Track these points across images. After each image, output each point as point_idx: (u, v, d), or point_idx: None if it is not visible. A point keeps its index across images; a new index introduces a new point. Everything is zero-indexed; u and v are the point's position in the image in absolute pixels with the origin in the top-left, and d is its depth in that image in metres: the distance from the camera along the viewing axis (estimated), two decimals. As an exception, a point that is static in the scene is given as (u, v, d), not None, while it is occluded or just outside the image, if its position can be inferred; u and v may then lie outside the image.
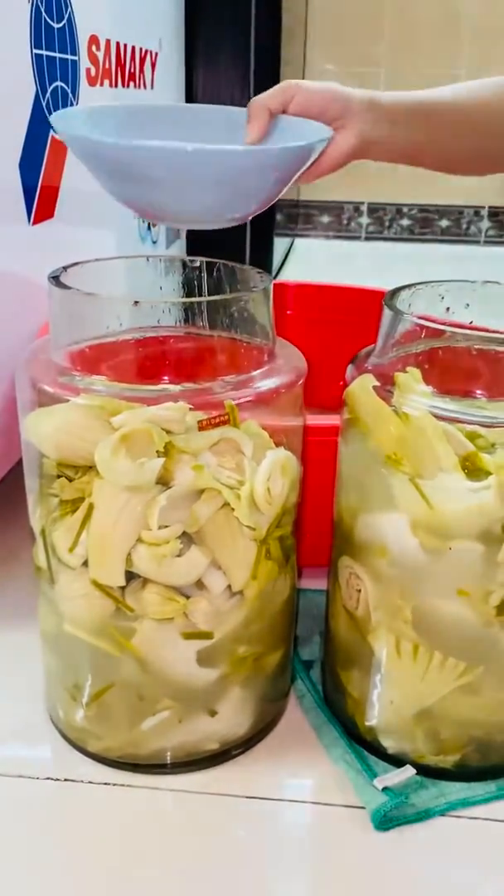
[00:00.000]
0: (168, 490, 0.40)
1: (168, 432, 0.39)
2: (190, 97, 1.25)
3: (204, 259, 0.48)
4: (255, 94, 0.66)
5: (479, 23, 1.88)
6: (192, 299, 0.46)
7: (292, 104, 0.64)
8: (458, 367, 0.43)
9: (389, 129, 0.68)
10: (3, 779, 0.47)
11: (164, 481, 0.40)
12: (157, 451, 0.39)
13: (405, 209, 2.03)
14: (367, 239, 2.07)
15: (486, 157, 0.75)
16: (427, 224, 2.03)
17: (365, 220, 2.04)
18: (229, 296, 0.44)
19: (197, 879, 0.42)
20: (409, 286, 0.47)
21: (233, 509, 0.41)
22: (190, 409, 0.40)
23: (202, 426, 0.40)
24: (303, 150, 0.59)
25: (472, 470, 0.41)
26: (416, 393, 0.42)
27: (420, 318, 0.43)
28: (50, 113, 0.69)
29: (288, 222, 1.86)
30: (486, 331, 0.44)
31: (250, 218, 0.63)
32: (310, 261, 1.92)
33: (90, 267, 0.45)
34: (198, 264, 0.48)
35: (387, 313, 0.44)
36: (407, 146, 0.70)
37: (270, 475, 0.42)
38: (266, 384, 0.43)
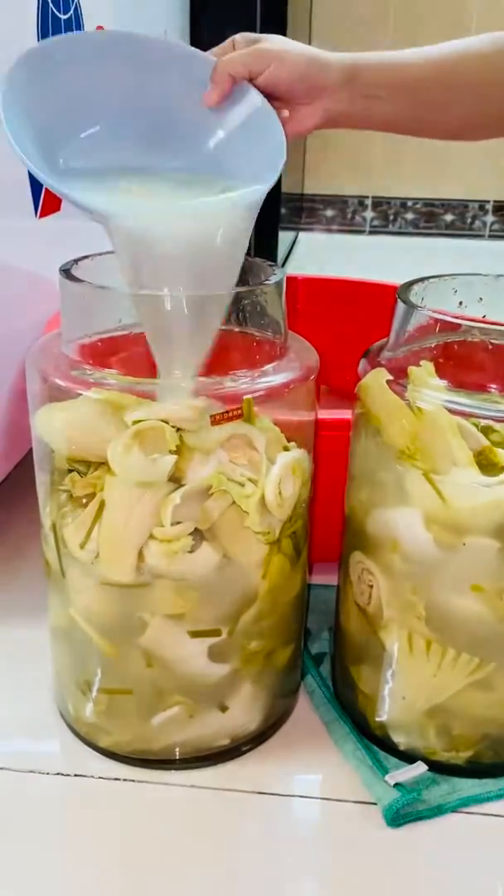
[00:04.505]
0: (182, 488, 0.40)
1: (181, 429, 0.39)
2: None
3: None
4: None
5: (486, 14, 1.86)
6: (204, 293, 0.45)
7: (264, 75, 0.56)
8: (471, 361, 0.43)
9: (364, 105, 0.62)
10: (14, 774, 0.47)
11: (175, 478, 0.40)
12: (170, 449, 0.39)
13: (410, 203, 2.02)
14: (371, 233, 2.06)
15: (480, 125, 0.68)
16: (432, 218, 2.02)
17: (369, 213, 2.04)
18: (242, 289, 0.44)
19: (207, 875, 0.41)
20: (421, 280, 0.46)
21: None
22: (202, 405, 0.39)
23: (215, 420, 0.39)
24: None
25: (487, 465, 0.41)
26: (429, 387, 0.42)
27: (435, 311, 0.42)
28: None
29: (292, 216, 1.85)
30: (500, 325, 0.44)
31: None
32: (314, 255, 1.91)
33: (101, 260, 0.44)
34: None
35: (400, 307, 0.44)
36: (384, 120, 0.64)
37: (281, 478, 0.42)
38: (278, 378, 0.42)
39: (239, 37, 0.59)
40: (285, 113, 0.58)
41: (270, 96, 0.56)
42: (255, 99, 0.55)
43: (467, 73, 0.64)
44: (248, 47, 0.57)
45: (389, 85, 0.62)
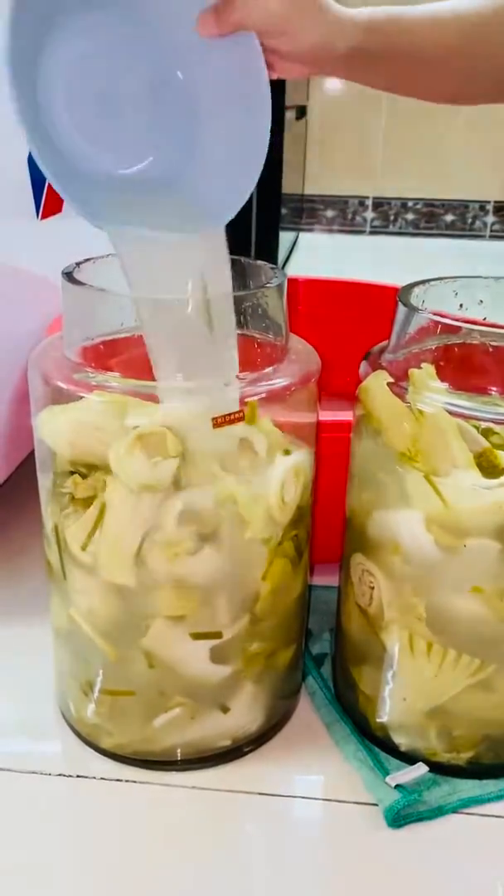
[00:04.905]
0: (184, 491, 0.40)
1: (183, 432, 0.39)
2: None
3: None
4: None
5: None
6: (206, 295, 0.45)
7: (271, 42, 0.51)
8: (472, 363, 0.43)
9: (358, 76, 0.59)
10: (16, 775, 0.47)
11: (177, 480, 0.40)
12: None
13: (410, 203, 2.03)
14: (371, 233, 2.06)
15: (477, 90, 0.64)
16: (432, 218, 2.03)
17: (370, 214, 2.04)
18: (243, 292, 0.44)
19: (208, 876, 0.42)
20: (422, 282, 0.46)
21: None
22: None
23: (217, 423, 0.39)
24: None
25: (487, 467, 0.41)
26: (430, 389, 0.42)
27: (436, 314, 0.43)
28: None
29: (292, 217, 1.85)
30: (501, 327, 0.44)
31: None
32: (314, 255, 1.92)
33: (103, 263, 0.45)
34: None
35: (401, 309, 0.44)
36: (378, 84, 0.61)
37: (283, 482, 0.42)
38: (280, 381, 0.43)
39: None
40: (273, 74, 0.54)
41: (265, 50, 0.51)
42: (254, 62, 0.49)
43: (477, 37, 0.60)
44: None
45: (391, 56, 0.58)
